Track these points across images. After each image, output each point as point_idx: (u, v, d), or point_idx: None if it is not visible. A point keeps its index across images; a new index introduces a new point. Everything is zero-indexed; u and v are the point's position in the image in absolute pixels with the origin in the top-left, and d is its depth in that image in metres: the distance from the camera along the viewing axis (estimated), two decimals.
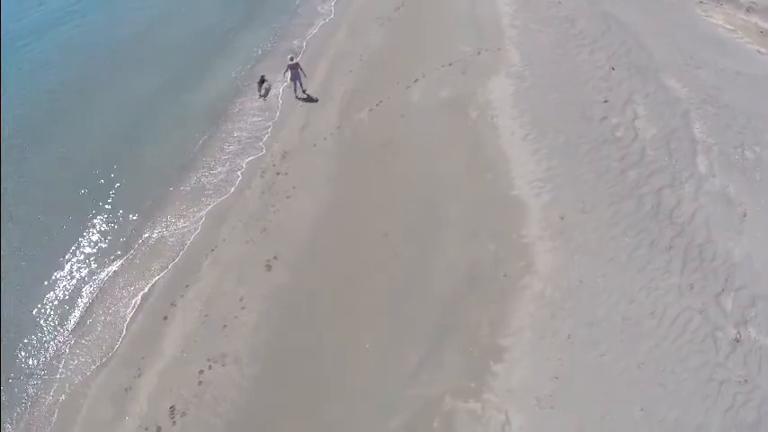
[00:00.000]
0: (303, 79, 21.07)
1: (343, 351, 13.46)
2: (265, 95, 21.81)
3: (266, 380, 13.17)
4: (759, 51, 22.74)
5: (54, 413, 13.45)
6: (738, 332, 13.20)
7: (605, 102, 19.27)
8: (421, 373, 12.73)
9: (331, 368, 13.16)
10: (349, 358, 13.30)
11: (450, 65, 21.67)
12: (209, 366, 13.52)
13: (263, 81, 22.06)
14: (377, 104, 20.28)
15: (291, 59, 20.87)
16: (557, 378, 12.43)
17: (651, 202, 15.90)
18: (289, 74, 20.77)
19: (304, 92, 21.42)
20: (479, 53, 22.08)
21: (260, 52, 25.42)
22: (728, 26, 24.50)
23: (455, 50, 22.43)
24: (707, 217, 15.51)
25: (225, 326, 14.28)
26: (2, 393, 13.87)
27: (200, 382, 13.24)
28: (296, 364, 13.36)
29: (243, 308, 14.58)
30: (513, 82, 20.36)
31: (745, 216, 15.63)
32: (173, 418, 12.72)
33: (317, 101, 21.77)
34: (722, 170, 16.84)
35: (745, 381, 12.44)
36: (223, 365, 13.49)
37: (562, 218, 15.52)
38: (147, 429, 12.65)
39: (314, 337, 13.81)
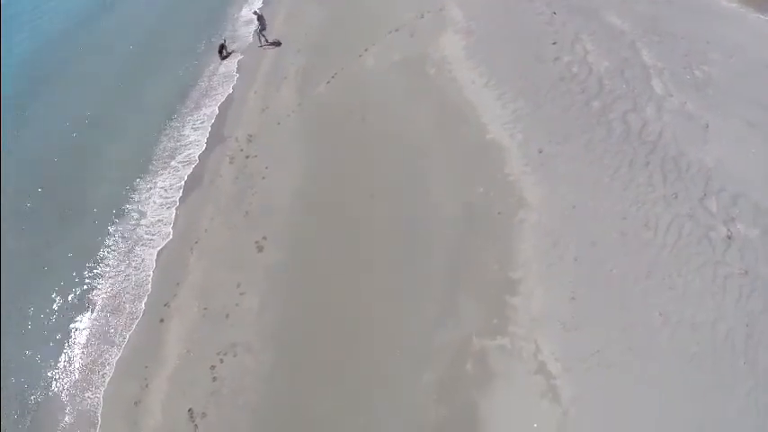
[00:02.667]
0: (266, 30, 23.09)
1: (357, 318, 12.91)
2: (226, 57, 23.37)
3: (284, 361, 12.43)
4: None
5: None
6: (729, 229, 13.57)
7: (554, 44, 19.57)
8: (442, 322, 12.42)
9: (349, 336, 12.59)
10: (365, 323, 12.77)
11: (397, 30, 21.52)
12: (221, 360, 12.62)
13: (223, 47, 23.50)
14: (332, 77, 19.90)
15: (256, 12, 23.39)
16: (574, 299, 12.37)
17: (619, 126, 16.22)
18: (258, 25, 23.01)
19: (266, 41, 23.37)
20: (422, 16, 22.05)
21: (203, 48, 24.51)
22: None
23: (398, 17, 22.31)
24: (674, 132, 15.95)
25: (227, 315, 13.40)
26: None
27: (214, 378, 12.35)
28: (312, 340, 12.70)
29: (242, 294, 13.75)
30: (461, 37, 20.40)
31: (707, 127, 16.17)
32: (193, 421, 11.78)
33: (280, 44, 23.15)
34: (677, 90, 17.40)
35: (746, 272, 12.76)
36: (235, 356, 12.63)
37: (540, 152, 15.58)
38: None
39: (324, 309, 13.18)
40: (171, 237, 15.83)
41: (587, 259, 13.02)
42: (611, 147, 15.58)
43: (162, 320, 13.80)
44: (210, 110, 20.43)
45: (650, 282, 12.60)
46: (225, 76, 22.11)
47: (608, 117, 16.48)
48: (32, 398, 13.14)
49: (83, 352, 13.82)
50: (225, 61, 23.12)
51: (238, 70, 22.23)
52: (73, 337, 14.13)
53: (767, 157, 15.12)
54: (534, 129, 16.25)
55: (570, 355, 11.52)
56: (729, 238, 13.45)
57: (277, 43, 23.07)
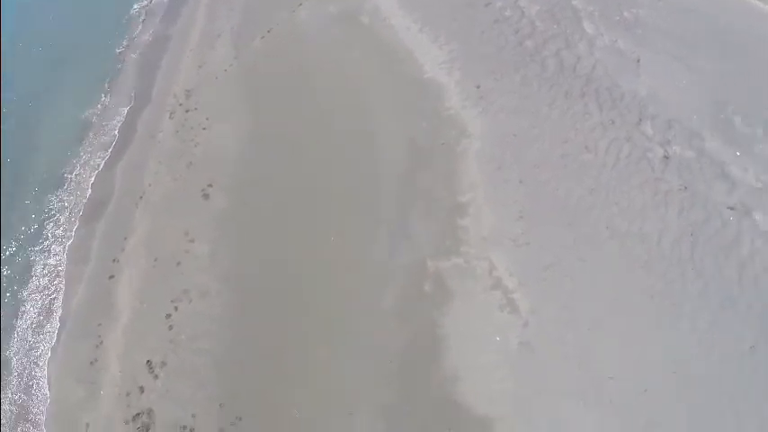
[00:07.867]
0: None
1: (309, 252, 12.66)
2: None
3: (240, 303, 12.10)
4: None
5: (13, 415, 11.63)
6: (665, 150, 13.83)
7: None
8: (395, 248, 12.28)
9: (303, 271, 12.33)
10: (317, 257, 12.51)
11: None
12: (176, 308, 12.17)
13: None
14: (267, 31, 19.34)
15: None
16: (522, 218, 12.28)
17: (553, 62, 16.33)
18: None
19: None
20: None
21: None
22: None
23: None
24: (606, 67, 16.16)
25: (179, 263, 12.89)
26: None
27: (170, 327, 11.92)
28: (266, 278, 12.37)
29: (192, 241, 13.24)
30: None
31: (638, 61, 16.47)
32: (152, 371, 11.38)
33: None
34: (608, 29, 17.64)
35: (685, 188, 13.00)
36: (190, 302, 12.18)
37: (478, 87, 15.52)
38: (128, 394, 11.11)
39: (276, 247, 12.86)
40: (114, 194, 15.16)
41: (532, 180, 13.00)
42: (547, 81, 15.69)
43: (112, 276, 13.14)
44: (145, 71, 19.64)
45: (594, 198, 12.66)
46: (155, 42, 21.11)
47: (542, 55, 16.60)
48: None
49: (28, 318, 13.23)
50: None
51: (171, 33, 21.32)
52: (16, 304, 13.42)
53: (696, 87, 15.47)
54: (470, 67, 16.21)
55: (524, 270, 11.50)
56: (666, 158, 13.68)
57: None
